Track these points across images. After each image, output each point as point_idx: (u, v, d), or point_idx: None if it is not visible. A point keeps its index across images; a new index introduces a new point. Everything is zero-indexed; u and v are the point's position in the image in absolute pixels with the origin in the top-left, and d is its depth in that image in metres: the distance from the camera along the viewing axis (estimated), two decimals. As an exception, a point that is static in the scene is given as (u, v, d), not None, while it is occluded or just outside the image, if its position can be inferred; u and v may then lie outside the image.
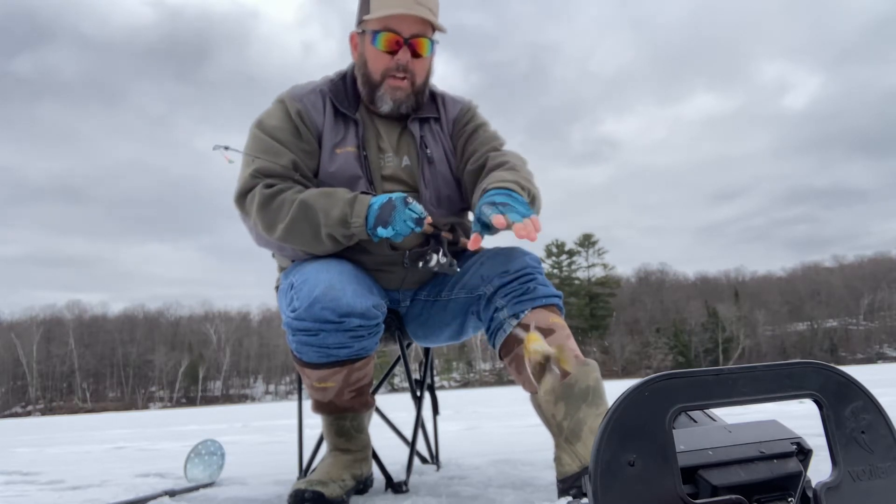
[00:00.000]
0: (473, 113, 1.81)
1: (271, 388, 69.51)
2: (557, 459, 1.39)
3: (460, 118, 1.78)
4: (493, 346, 1.58)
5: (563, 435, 1.38)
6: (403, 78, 1.62)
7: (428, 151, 1.69)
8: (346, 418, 1.69)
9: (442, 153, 1.73)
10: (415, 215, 1.46)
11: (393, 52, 1.60)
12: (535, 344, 1.25)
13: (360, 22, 1.63)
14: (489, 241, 1.78)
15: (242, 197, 1.59)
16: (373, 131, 1.69)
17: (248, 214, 1.58)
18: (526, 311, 1.51)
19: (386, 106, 1.65)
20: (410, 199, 1.48)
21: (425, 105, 1.75)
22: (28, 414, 60.96)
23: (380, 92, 1.63)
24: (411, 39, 1.59)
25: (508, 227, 1.29)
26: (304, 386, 1.70)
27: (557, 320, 1.52)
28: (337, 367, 1.53)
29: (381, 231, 1.45)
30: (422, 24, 1.59)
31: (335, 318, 1.43)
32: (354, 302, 1.45)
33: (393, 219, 1.45)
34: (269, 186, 1.56)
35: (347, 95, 1.70)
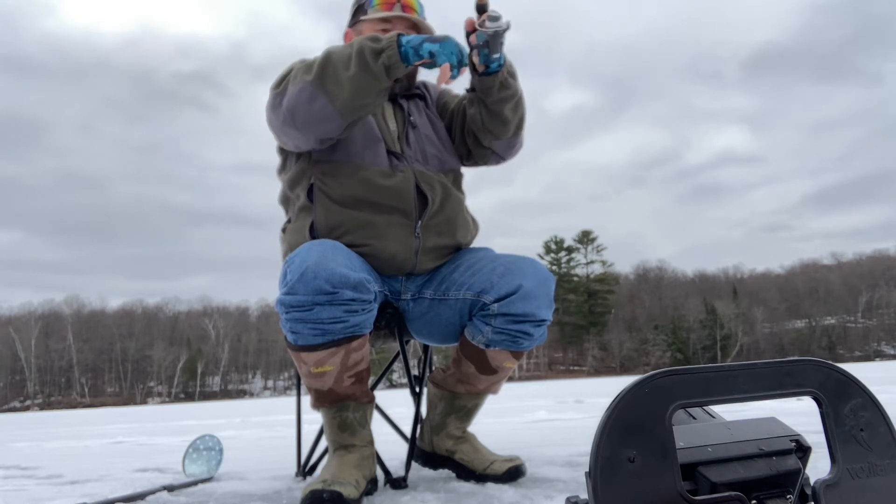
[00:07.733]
0: (450, 90, 2.07)
1: (270, 383, 69.64)
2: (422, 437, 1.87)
3: (441, 96, 2.02)
4: (467, 336, 1.71)
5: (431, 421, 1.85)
6: None
7: (412, 119, 1.86)
8: (348, 409, 1.65)
9: (426, 121, 1.90)
10: (461, 49, 1.53)
11: (387, 21, 1.77)
12: None
13: (356, 22, 1.84)
14: (502, 248, 1.86)
15: (282, 78, 1.65)
16: None
17: (290, 81, 1.60)
18: (507, 350, 1.69)
19: None
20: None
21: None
22: (26, 408, 61.06)
23: None
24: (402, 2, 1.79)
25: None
26: (302, 380, 1.68)
27: (511, 364, 1.74)
28: (333, 348, 1.52)
29: (427, 45, 1.50)
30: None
31: (329, 289, 1.45)
32: (347, 272, 1.47)
33: (441, 42, 1.51)
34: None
35: None
